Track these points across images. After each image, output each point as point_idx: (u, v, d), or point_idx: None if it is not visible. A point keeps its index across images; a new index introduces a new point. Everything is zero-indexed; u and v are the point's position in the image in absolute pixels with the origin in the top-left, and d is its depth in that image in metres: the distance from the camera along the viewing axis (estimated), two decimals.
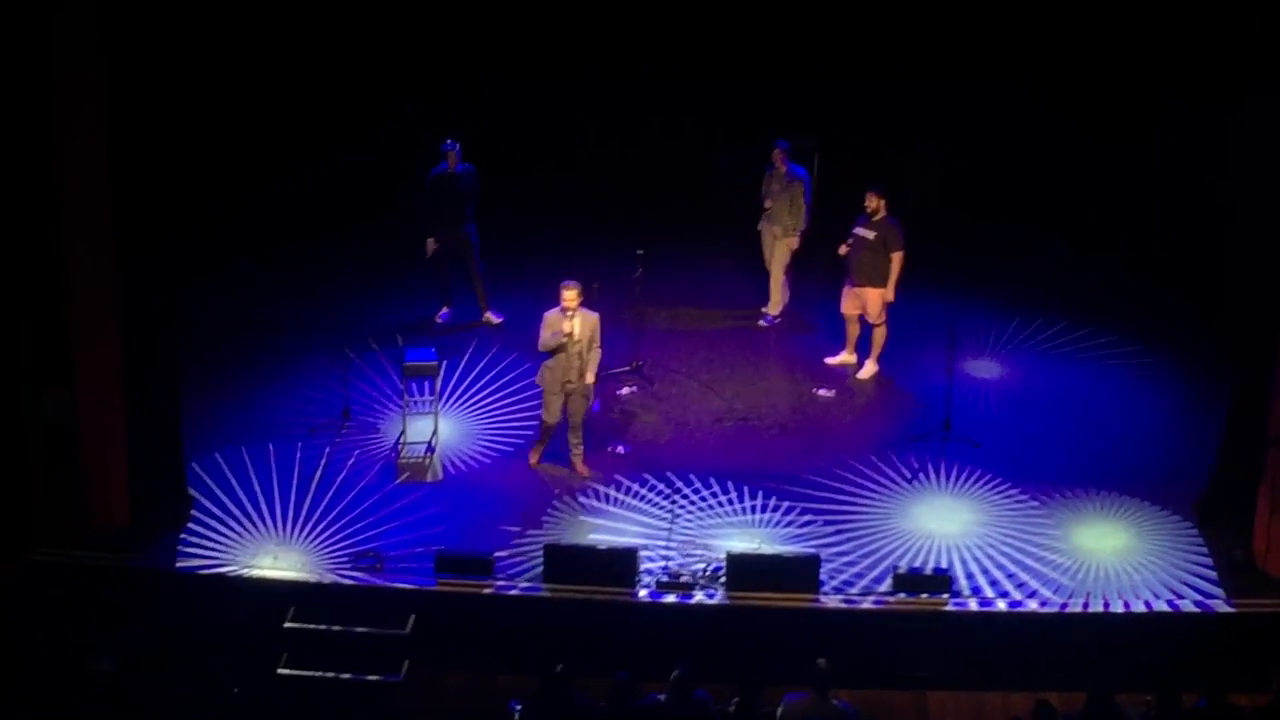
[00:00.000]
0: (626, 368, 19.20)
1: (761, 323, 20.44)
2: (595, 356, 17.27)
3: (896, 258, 18.65)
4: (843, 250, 18.92)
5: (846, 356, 19.51)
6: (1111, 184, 22.77)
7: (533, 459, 17.69)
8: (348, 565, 15.95)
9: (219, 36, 21.07)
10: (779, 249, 20.12)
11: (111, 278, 15.46)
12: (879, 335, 19.14)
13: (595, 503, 16.99)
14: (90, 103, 14.99)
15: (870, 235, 18.68)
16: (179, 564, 15.94)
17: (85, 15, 14.84)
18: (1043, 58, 22.94)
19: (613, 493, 17.15)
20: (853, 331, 19.37)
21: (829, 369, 19.45)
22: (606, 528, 16.56)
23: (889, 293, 18.79)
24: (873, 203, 18.70)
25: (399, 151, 22.24)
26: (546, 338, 17.04)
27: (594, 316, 17.16)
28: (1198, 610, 15.50)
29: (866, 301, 18.95)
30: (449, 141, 19.94)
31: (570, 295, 16.94)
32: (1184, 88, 21.14)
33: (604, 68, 23.79)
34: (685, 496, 17.07)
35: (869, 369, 19.32)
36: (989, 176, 23.40)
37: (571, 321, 16.95)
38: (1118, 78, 22.71)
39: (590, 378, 17.33)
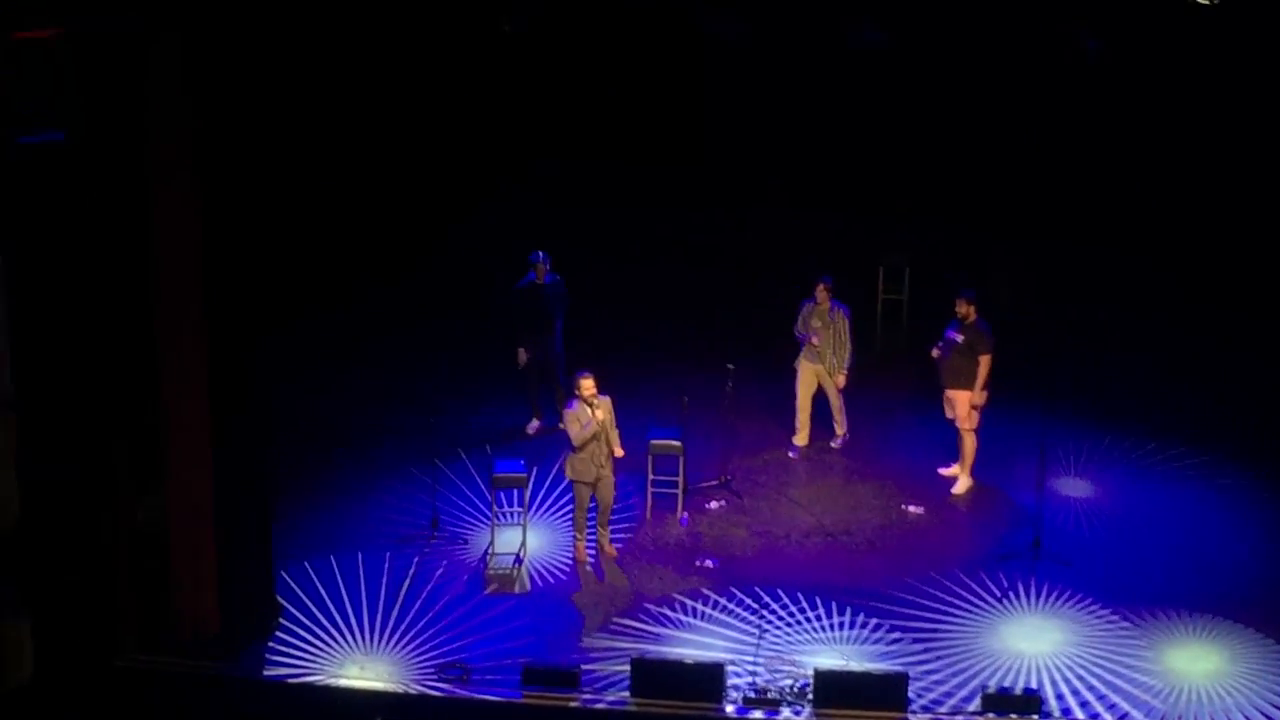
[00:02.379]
0: (715, 482, 19.19)
1: (790, 454, 20.32)
2: (616, 435, 17.64)
3: (984, 360, 18.63)
4: (934, 353, 18.93)
5: (959, 468, 19.45)
6: (1207, 302, 22.78)
7: (580, 554, 17.86)
8: (434, 676, 15.94)
9: (312, 143, 21.46)
10: (829, 381, 19.99)
11: (204, 384, 15.59)
12: (968, 444, 19.07)
13: (683, 616, 16.94)
14: (186, 217, 15.18)
15: (960, 339, 18.69)
16: (267, 672, 15.98)
17: (181, 133, 15.06)
18: (1135, 175, 23.16)
19: (700, 606, 17.10)
20: None
21: (918, 485, 19.35)
22: (694, 642, 16.50)
23: (976, 395, 18.75)
24: (963, 308, 18.73)
25: (488, 260, 22.54)
26: (577, 432, 17.32)
27: (607, 398, 17.47)
28: None
29: (955, 404, 18.92)
30: (538, 252, 20.08)
31: (589, 384, 17.28)
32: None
33: (690, 180, 24.19)
34: (773, 611, 17.00)
35: (963, 483, 19.23)
36: (1080, 292, 23.49)
37: (599, 410, 17.23)
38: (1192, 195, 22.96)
39: (620, 452, 17.73)
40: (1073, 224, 24.31)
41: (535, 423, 20.43)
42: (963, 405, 18.90)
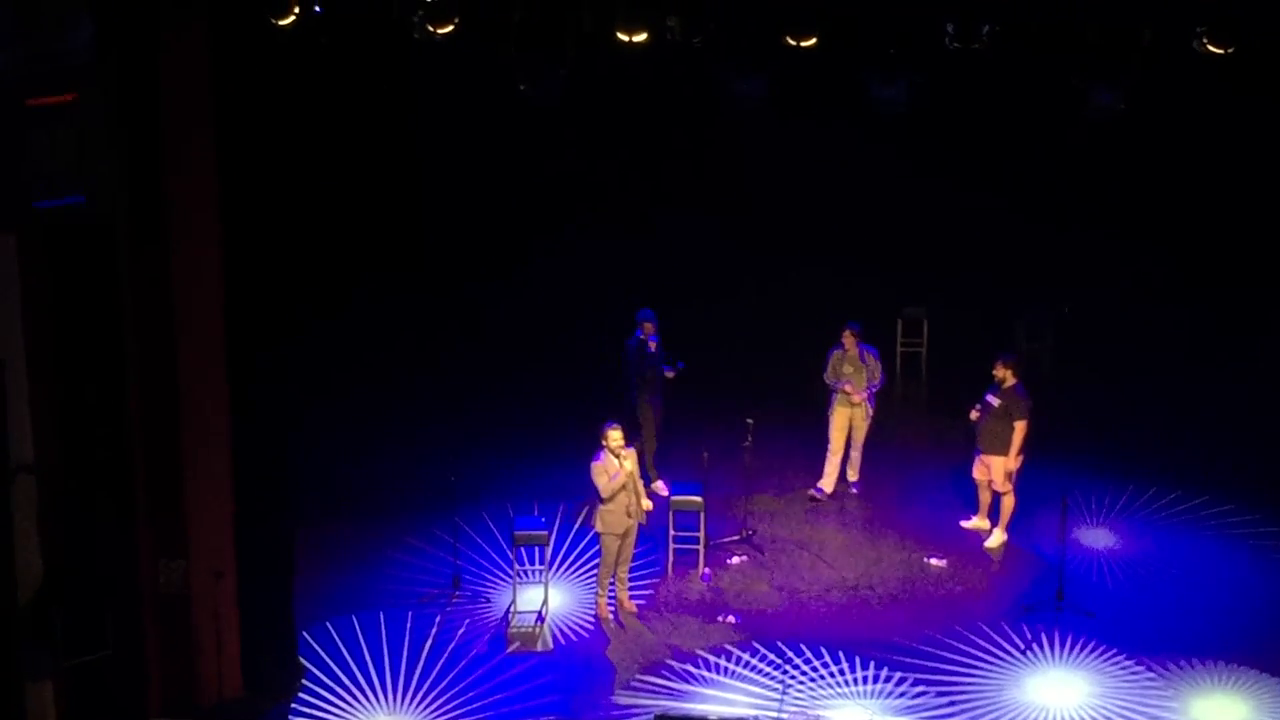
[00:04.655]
0: (736, 536, 19.18)
1: (817, 497, 20.40)
2: (641, 485, 17.67)
3: (1019, 426, 18.61)
4: (972, 415, 18.93)
5: (979, 521, 19.44)
6: (1229, 351, 22.84)
7: (603, 610, 17.83)
8: None
9: (345, 191, 21.62)
10: (859, 427, 20.14)
11: (226, 446, 15.64)
12: (1006, 504, 19.07)
13: (706, 672, 16.90)
14: (207, 280, 15.25)
15: (997, 403, 18.68)
16: None
17: (203, 178, 15.15)
18: (1155, 218, 23.30)
19: (723, 662, 17.06)
20: (985, 497, 19.30)
21: (940, 538, 19.34)
22: (717, 698, 16.46)
23: (1010, 461, 18.73)
24: (1000, 371, 18.73)
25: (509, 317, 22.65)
26: (605, 484, 17.28)
27: (632, 450, 17.48)
28: None
29: (991, 469, 18.90)
30: (646, 310, 20.16)
31: (617, 435, 17.26)
32: None
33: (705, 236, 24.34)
34: (796, 666, 16.96)
35: (997, 537, 19.21)
36: (1102, 343, 23.53)
37: (627, 460, 17.25)
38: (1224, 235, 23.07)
39: (649, 505, 17.74)
40: (1093, 272, 24.39)
41: (659, 483, 20.32)
42: (998, 471, 18.87)
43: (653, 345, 20.04)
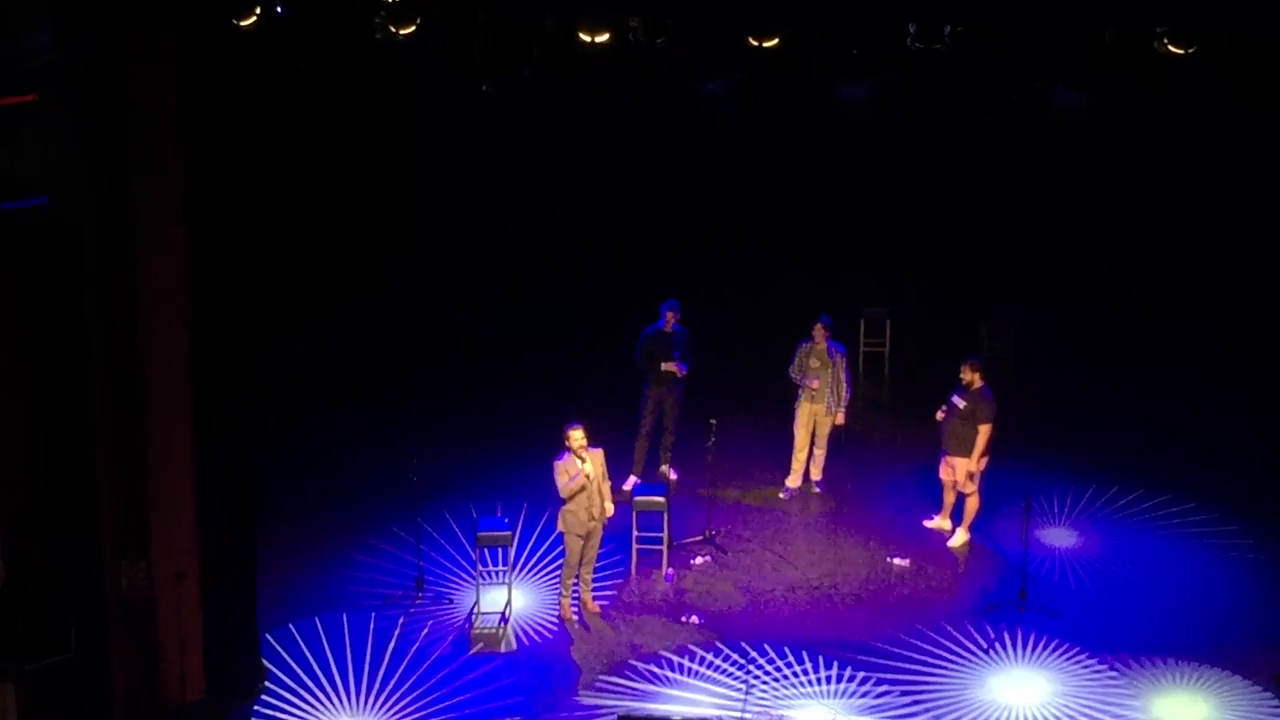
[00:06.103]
0: (700, 537, 19.19)
1: (782, 495, 20.44)
2: (607, 487, 17.57)
3: (983, 429, 18.65)
4: (938, 416, 18.95)
5: (942, 521, 19.48)
6: (1188, 350, 22.93)
7: (566, 611, 17.81)
8: None
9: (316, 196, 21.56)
10: (823, 424, 20.17)
11: (190, 448, 15.57)
12: (970, 504, 19.10)
13: (669, 673, 16.91)
14: (173, 290, 15.19)
15: (962, 405, 18.71)
16: None
17: (169, 208, 15.11)
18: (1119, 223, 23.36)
19: (686, 663, 17.07)
20: (949, 498, 19.34)
21: (903, 537, 19.38)
22: (680, 698, 16.46)
23: (972, 463, 18.77)
24: (968, 374, 18.75)
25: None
26: (565, 484, 17.26)
27: (599, 451, 17.39)
28: None
29: (956, 470, 18.95)
30: (672, 300, 20.10)
31: (579, 435, 17.19)
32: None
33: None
34: (759, 666, 16.98)
35: (960, 537, 19.25)
36: (1063, 342, 23.59)
37: (587, 462, 17.17)
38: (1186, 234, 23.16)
39: (610, 509, 17.62)
40: (1057, 273, 24.44)
41: (633, 479, 20.23)
42: (961, 472, 18.92)
43: (679, 366, 20.02)
